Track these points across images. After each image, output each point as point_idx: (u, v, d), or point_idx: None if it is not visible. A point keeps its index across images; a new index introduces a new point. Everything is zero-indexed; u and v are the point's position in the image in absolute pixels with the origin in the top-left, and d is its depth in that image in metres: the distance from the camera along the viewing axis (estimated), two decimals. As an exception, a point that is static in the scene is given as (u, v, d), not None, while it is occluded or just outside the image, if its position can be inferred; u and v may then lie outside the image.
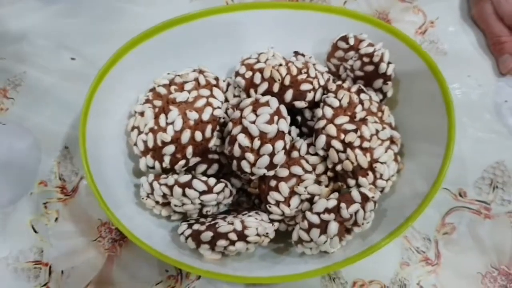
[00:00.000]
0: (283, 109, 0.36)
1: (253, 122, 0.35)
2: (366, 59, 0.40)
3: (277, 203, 0.37)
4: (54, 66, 0.49)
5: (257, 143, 0.35)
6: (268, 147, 0.35)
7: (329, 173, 0.38)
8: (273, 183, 0.37)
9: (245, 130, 0.35)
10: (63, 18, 0.52)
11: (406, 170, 0.41)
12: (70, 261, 0.41)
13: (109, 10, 0.52)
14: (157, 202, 0.38)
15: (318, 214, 0.34)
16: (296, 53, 0.43)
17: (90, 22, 0.52)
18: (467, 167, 0.46)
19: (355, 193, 0.35)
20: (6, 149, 0.45)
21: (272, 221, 0.37)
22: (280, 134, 0.35)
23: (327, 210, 0.34)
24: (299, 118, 0.41)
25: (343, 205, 0.34)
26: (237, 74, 0.41)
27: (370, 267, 0.41)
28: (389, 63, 0.40)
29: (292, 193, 0.37)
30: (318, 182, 0.38)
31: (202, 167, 0.39)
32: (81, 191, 0.44)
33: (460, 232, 0.43)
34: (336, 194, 0.35)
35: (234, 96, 0.41)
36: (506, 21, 0.49)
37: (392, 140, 0.39)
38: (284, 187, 0.37)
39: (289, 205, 0.37)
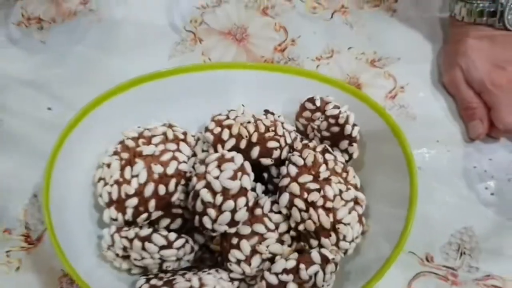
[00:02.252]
0: (248, 166, 0.37)
1: (217, 178, 0.35)
2: (332, 121, 0.41)
3: (238, 262, 0.37)
4: (31, 115, 0.50)
5: (219, 199, 0.35)
6: (230, 204, 0.35)
7: (292, 233, 0.38)
8: (234, 240, 0.37)
9: (208, 185, 0.35)
10: (45, 69, 0.53)
11: (371, 232, 0.40)
12: (28, 313, 0.40)
13: (90, 62, 0.54)
14: (117, 255, 0.37)
15: (277, 274, 0.34)
16: (266, 112, 0.44)
17: (70, 74, 0.53)
18: (434, 232, 0.46)
19: (314, 254, 0.35)
20: (-28, 196, 0.45)
21: (232, 280, 0.37)
22: (242, 191, 0.36)
23: (286, 271, 0.34)
24: (265, 175, 0.41)
25: (302, 266, 0.34)
26: (206, 129, 0.41)
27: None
28: (354, 125, 0.41)
29: (254, 251, 0.37)
30: (280, 241, 0.38)
31: (165, 222, 0.39)
32: (45, 241, 0.43)
33: (426, 299, 0.43)
34: (295, 255, 0.35)
35: (203, 151, 0.42)
36: (475, 88, 0.50)
37: (356, 201, 0.39)
38: (246, 245, 0.37)
39: (250, 264, 0.37)
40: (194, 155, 0.42)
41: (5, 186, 0.46)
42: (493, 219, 0.46)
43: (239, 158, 0.37)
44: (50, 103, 0.51)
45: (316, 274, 0.34)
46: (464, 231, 0.46)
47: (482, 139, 0.50)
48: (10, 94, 0.52)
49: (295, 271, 0.34)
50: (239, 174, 0.36)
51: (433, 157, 0.50)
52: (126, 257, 0.37)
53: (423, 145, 0.50)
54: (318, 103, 0.42)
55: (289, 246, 0.38)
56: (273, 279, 0.34)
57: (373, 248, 0.40)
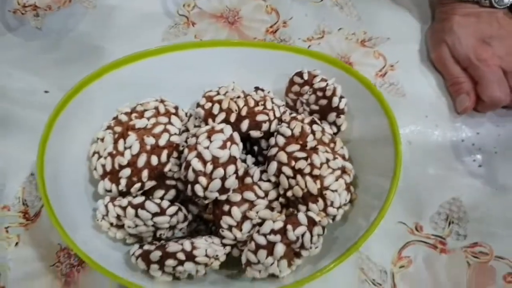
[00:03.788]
0: (236, 136, 0.38)
1: (207, 148, 0.37)
2: (319, 93, 0.42)
3: (230, 228, 0.38)
4: (28, 98, 0.51)
5: (209, 167, 0.36)
6: (220, 171, 0.36)
7: (281, 199, 0.39)
8: (226, 207, 0.38)
9: (199, 155, 0.37)
10: (41, 54, 0.54)
11: (359, 201, 0.42)
12: (28, 285, 0.42)
13: (86, 48, 0.55)
14: (111, 224, 0.38)
15: (265, 235, 0.35)
16: (257, 88, 0.45)
17: (66, 58, 0.54)
18: (423, 203, 0.47)
19: (301, 216, 0.36)
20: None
21: (224, 245, 0.38)
22: (232, 159, 0.37)
23: (273, 232, 0.35)
24: (255, 148, 0.42)
25: (289, 227, 0.35)
26: (198, 105, 0.42)
27: (326, 299, 0.41)
28: (341, 97, 0.42)
29: (244, 217, 0.38)
30: (270, 208, 0.39)
31: (159, 193, 0.40)
32: (43, 216, 0.45)
33: (416, 266, 0.44)
34: (283, 217, 0.37)
35: (195, 126, 0.43)
36: (462, 63, 0.52)
37: (344, 170, 0.40)
38: (237, 211, 0.38)
39: (241, 230, 0.38)
40: (187, 130, 0.43)
41: (3, 165, 0.47)
42: (480, 190, 0.48)
43: (228, 129, 0.38)
44: (47, 87, 0.52)
45: (303, 235, 0.35)
46: (452, 202, 0.47)
47: (469, 114, 0.51)
48: (7, 78, 0.53)
49: (283, 232, 0.35)
50: (228, 144, 0.37)
51: (422, 132, 0.51)
52: (121, 227, 0.39)
53: (412, 120, 0.51)
54: (305, 77, 0.43)
55: (279, 212, 0.39)
56: (261, 240, 0.35)
57: (361, 216, 0.41)
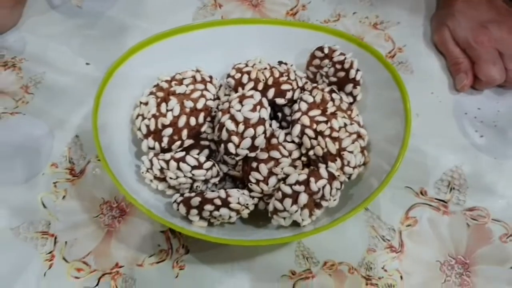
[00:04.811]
0: (265, 101, 0.43)
1: (239, 111, 0.42)
2: (338, 66, 0.47)
3: (257, 182, 0.43)
4: (71, 69, 0.56)
5: (241, 127, 0.41)
6: (250, 131, 0.41)
7: (303, 158, 0.44)
8: (254, 164, 0.43)
9: (232, 117, 0.42)
10: (82, 30, 0.60)
11: (372, 164, 0.46)
12: (74, 234, 0.46)
13: (121, 25, 0.60)
14: (154, 176, 0.43)
15: (290, 185, 0.40)
16: (280, 62, 0.50)
17: (104, 35, 0.59)
18: (428, 170, 0.51)
19: (323, 170, 0.41)
20: (24, 136, 0.52)
21: (252, 197, 0.43)
22: (261, 121, 0.42)
23: (298, 182, 0.40)
24: (279, 114, 0.47)
25: (312, 179, 0.40)
26: (228, 76, 0.47)
27: (340, 250, 0.46)
28: (357, 70, 0.47)
29: (270, 173, 0.43)
30: (293, 166, 0.44)
31: (195, 152, 0.45)
32: (87, 173, 0.50)
33: (421, 225, 0.48)
34: (306, 170, 0.41)
35: (225, 95, 0.48)
36: (461, 45, 0.57)
37: (359, 135, 0.45)
38: (263, 168, 0.43)
39: (267, 184, 0.43)
40: (218, 98, 0.48)
41: (51, 127, 0.53)
42: (481, 159, 0.52)
43: (257, 95, 0.43)
44: (87, 60, 0.57)
45: (324, 187, 0.40)
46: (454, 170, 0.51)
47: (468, 91, 0.57)
48: (51, 52, 0.58)
49: (306, 183, 0.40)
50: (258, 107, 0.42)
51: (429, 105, 0.56)
52: (162, 179, 0.44)
53: (419, 95, 0.55)
54: (326, 51, 0.48)
55: (301, 170, 0.44)
56: (287, 189, 0.40)
57: (373, 177, 0.45)
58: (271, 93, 0.45)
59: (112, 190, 0.49)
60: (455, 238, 0.47)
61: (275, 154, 0.43)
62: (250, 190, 0.43)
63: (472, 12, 0.57)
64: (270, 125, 0.46)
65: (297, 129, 0.43)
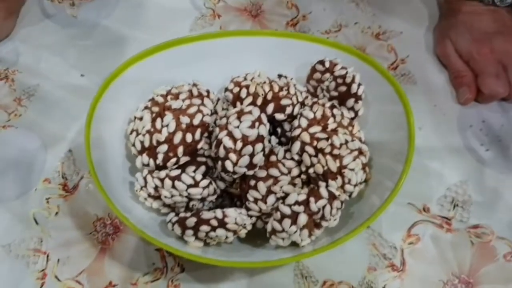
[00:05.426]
0: (264, 117, 0.42)
1: (237, 127, 0.40)
2: (339, 80, 0.46)
3: (255, 201, 0.42)
4: (65, 81, 0.55)
5: (239, 144, 0.40)
6: (249, 148, 0.40)
7: (303, 176, 0.43)
8: (252, 182, 0.42)
9: (229, 134, 0.40)
10: (77, 41, 0.58)
11: (373, 181, 0.45)
12: (66, 251, 0.45)
13: (118, 36, 0.59)
14: (149, 195, 0.42)
15: (290, 205, 0.39)
16: (280, 76, 0.48)
17: (100, 45, 0.58)
18: (431, 185, 0.50)
19: (323, 190, 0.40)
20: (16, 150, 0.50)
21: (250, 216, 0.42)
22: (260, 138, 0.40)
23: (298, 203, 0.39)
24: (279, 130, 0.46)
25: (311, 199, 0.39)
26: (226, 89, 0.46)
27: (340, 269, 0.45)
28: (359, 84, 0.46)
29: (269, 192, 0.42)
30: (293, 184, 0.42)
31: (191, 169, 0.44)
32: (80, 189, 0.49)
33: (424, 243, 0.47)
34: (306, 190, 0.40)
35: (223, 109, 0.46)
36: (463, 57, 0.56)
37: (361, 152, 0.44)
38: (262, 186, 0.41)
39: (266, 202, 0.41)
40: (215, 113, 0.47)
41: (44, 141, 0.51)
42: (486, 174, 0.51)
43: (256, 110, 0.42)
44: (82, 71, 0.56)
45: (324, 207, 0.39)
46: (459, 185, 0.50)
47: (473, 105, 0.55)
48: (45, 63, 0.57)
49: (306, 203, 0.39)
50: (257, 123, 0.41)
51: (432, 118, 0.54)
52: (157, 197, 0.42)
53: (422, 107, 0.54)
54: (327, 65, 0.47)
55: (301, 188, 0.42)
56: (286, 210, 0.39)
57: (375, 195, 0.44)
58: (270, 108, 0.44)
59: (105, 207, 0.47)
60: (459, 256, 0.46)
61: (274, 172, 0.42)
62: (248, 209, 0.42)
63: (475, 24, 0.56)
64: (269, 141, 0.45)
65: (297, 146, 0.42)
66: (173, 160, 0.42)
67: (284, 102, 0.44)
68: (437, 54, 0.58)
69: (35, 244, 0.46)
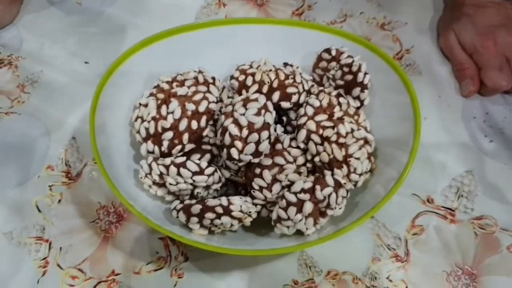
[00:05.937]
0: (270, 105, 0.41)
1: (243, 114, 0.40)
2: (346, 69, 0.46)
3: (261, 189, 0.41)
4: (69, 68, 0.55)
5: (245, 132, 0.40)
6: (254, 136, 0.39)
7: (308, 165, 0.42)
8: (257, 170, 0.42)
9: (235, 121, 0.40)
10: (81, 28, 0.58)
11: (378, 170, 0.45)
12: (69, 239, 0.45)
13: (122, 23, 0.58)
14: (153, 182, 0.42)
15: (295, 193, 0.39)
16: (286, 64, 0.48)
17: (104, 33, 0.58)
18: (436, 176, 0.50)
19: (329, 178, 0.39)
20: (19, 136, 0.50)
21: (255, 205, 0.42)
22: (265, 125, 0.40)
23: (303, 190, 0.38)
24: (284, 118, 0.46)
25: (317, 187, 0.38)
26: (232, 77, 0.46)
27: (344, 260, 0.45)
28: (366, 73, 0.45)
29: (274, 180, 0.41)
30: (298, 172, 0.42)
31: (196, 156, 0.43)
32: (84, 177, 0.48)
33: (428, 234, 0.47)
34: (312, 178, 0.40)
35: (228, 97, 0.46)
36: (467, 50, 0.55)
37: (366, 141, 0.44)
38: (267, 174, 0.41)
39: (271, 191, 0.41)
40: (220, 101, 0.46)
41: (47, 127, 0.51)
42: (491, 165, 0.51)
43: (262, 98, 0.41)
44: (86, 58, 0.56)
45: (329, 195, 0.39)
46: (465, 175, 0.50)
47: (474, 96, 0.55)
48: (48, 50, 0.56)
49: (312, 191, 0.38)
50: (263, 111, 0.40)
51: (437, 109, 0.54)
52: (161, 185, 0.42)
53: (427, 98, 0.54)
54: (333, 53, 0.47)
55: (306, 177, 0.42)
56: (292, 198, 0.39)
57: (379, 184, 0.44)
58: (276, 96, 0.44)
59: (109, 195, 0.47)
60: (462, 247, 0.46)
61: (279, 160, 0.42)
62: (253, 197, 0.42)
63: (479, 16, 0.55)
64: (275, 130, 0.44)
65: (302, 134, 0.42)
66: (178, 147, 0.42)
67: (290, 90, 0.44)
68: (441, 47, 0.58)
69: (38, 232, 0.45)
